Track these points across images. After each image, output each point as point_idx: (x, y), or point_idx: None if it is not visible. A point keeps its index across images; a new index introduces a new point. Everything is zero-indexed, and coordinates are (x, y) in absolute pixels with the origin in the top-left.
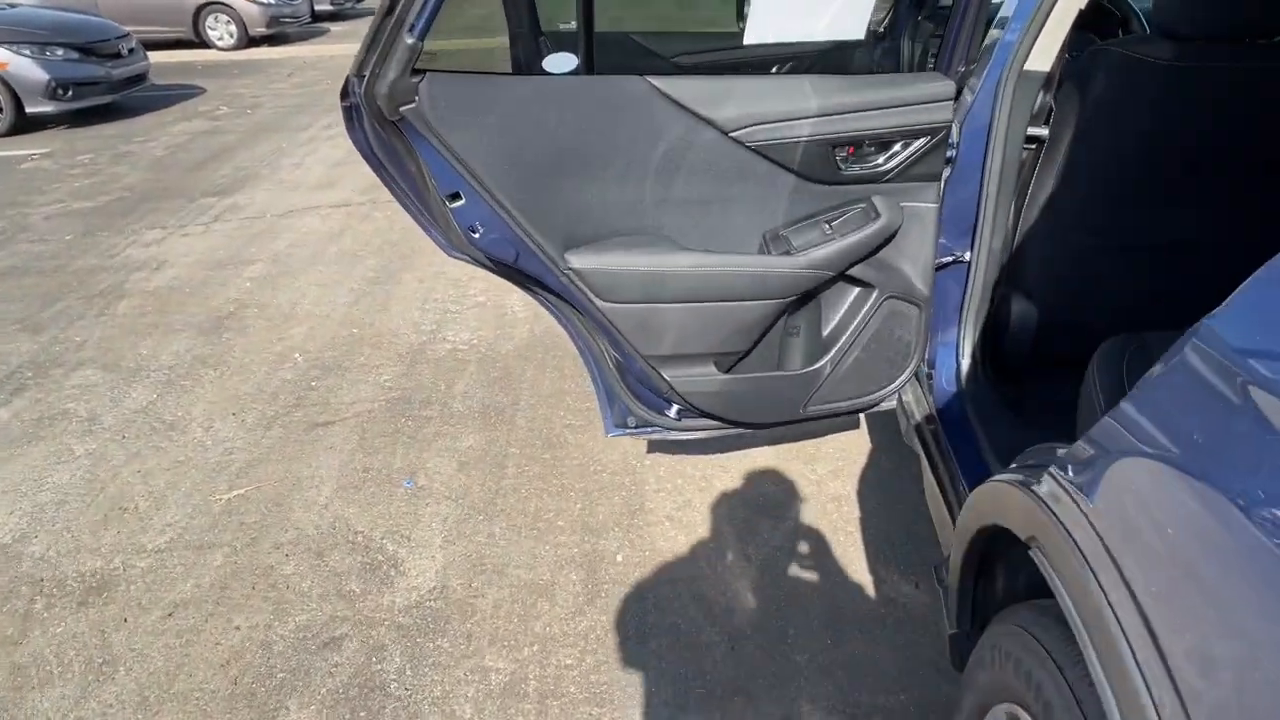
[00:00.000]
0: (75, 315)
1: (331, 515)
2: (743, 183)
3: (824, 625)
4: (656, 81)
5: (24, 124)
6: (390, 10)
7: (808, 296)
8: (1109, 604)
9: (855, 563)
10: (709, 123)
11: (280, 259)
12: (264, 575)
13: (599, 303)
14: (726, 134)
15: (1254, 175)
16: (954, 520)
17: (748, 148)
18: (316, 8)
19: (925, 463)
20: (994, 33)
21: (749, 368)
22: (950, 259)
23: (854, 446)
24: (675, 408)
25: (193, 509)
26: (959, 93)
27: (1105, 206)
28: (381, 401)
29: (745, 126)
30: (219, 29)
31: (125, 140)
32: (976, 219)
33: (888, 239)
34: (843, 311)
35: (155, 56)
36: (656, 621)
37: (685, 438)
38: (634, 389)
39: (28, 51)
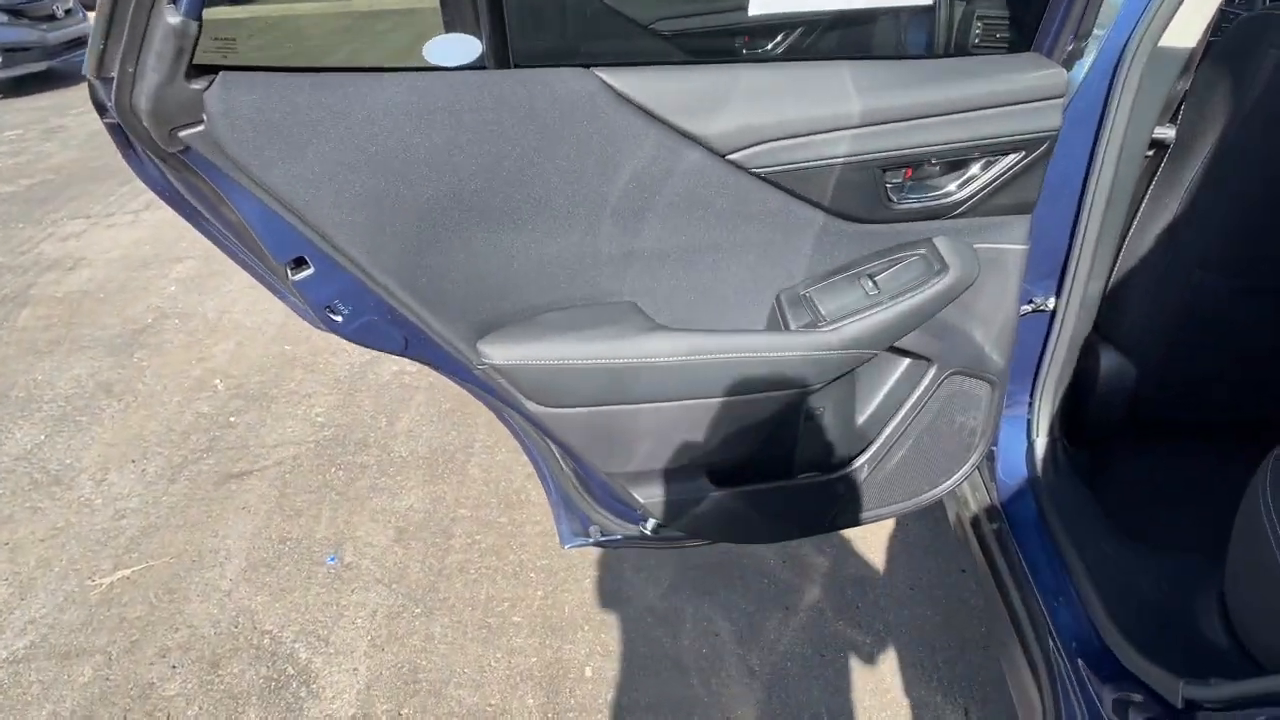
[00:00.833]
0: None
1: (234, 607)
2: (746, 225)
3: None
4: (610, 76)
5: None
6: None
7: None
8: None
9: (886, 676)
10: (695, 140)
11: (213, 256)
12: (140, 698)
13: (533, 408)
14: (722, 156)
15: None
16: (1034, 672)
17: (754, 175)
18: None
19: (984, 569)
20: None
21: (754, 473)
22: (1028, 307)
23: None
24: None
25: (65, 598)
26: None
27: (1253, 238)
28: (310, 443)
29: (750, 145)
30: None
31: (59, 113)
32: (1069, 254)
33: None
34: (885, 391)
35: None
36: None
37: (666, 550)
38: (597, 495)
39: None
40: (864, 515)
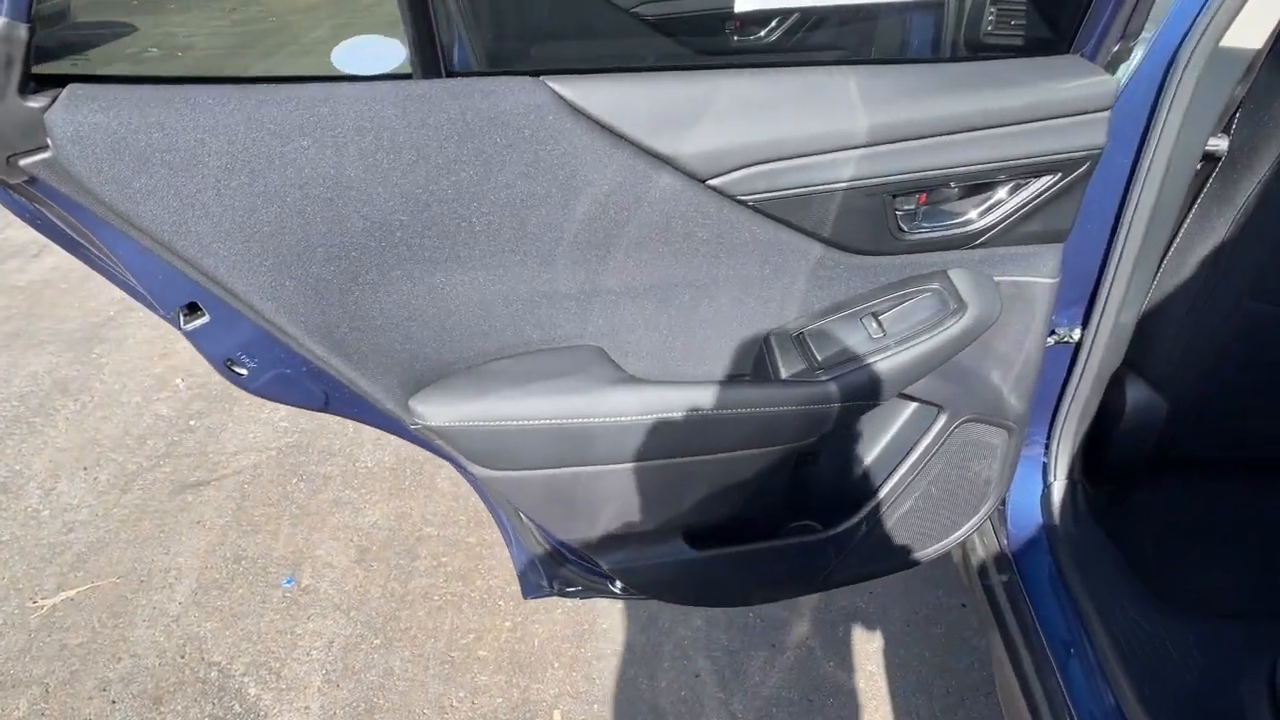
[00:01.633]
0: None
1: (182, 634)
2: (729, 258)
3: None
4: (564, 86)
5: None
6: None
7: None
8: None
9: (877, 717)
10: (668, 162)
11: None
12: None
13: (478, 471)
14: (701, 181)
15: None
16: None
17: (740, 203)
18: None
19: (992, 628)
20: None
21: (738, 533)
22: (1051, 339)
23: None
24: None
25: (4, 621)
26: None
27: None
28: (272, 451)
29: (735, 169)
30: None
31: None
32: (1099, 280)
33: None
34: (887, 441)
35: None
36: None
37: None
38: (560, 548)
39: None
40: (860, 573)
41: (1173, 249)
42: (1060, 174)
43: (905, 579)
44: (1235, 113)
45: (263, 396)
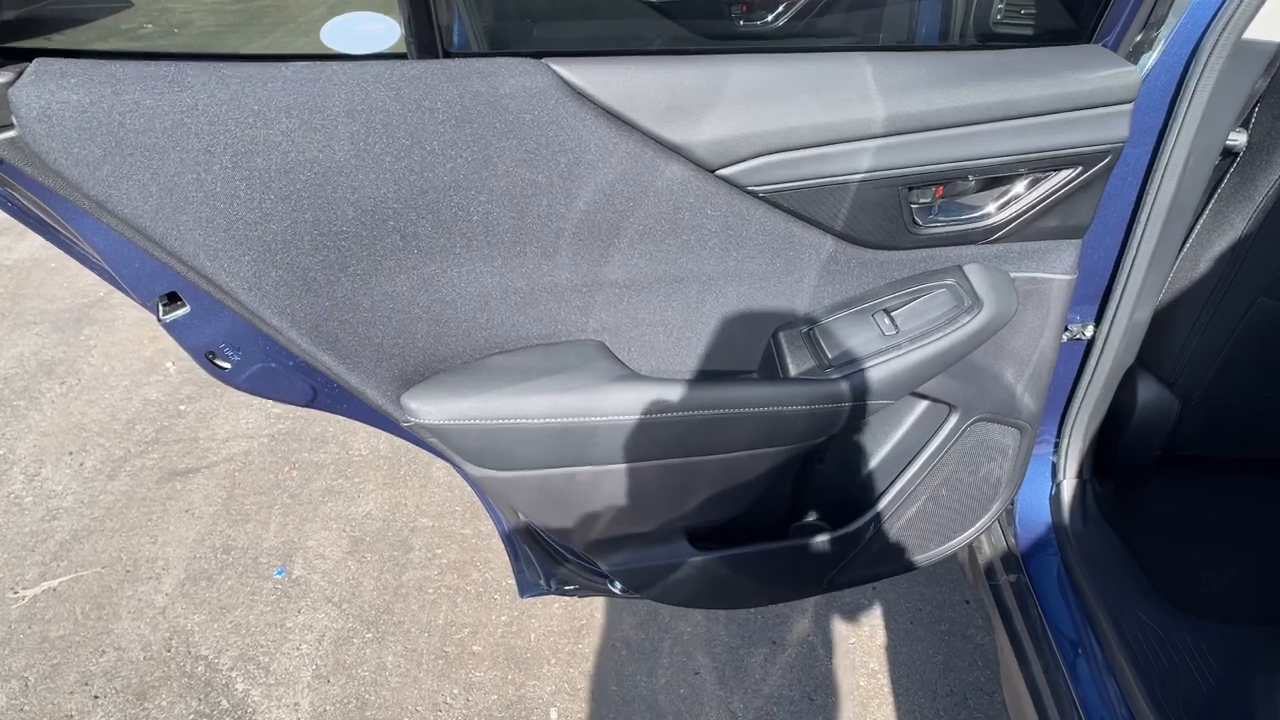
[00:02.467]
0: None
1: (168, 626)
2: (738, 251)
3: None
4: (568, 69)
5: None
6: None
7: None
8: None
9: (880, 715)
10: (676, 150)
11: None
12: None
13: (473, 471)
14: (711, 171)
15: None
16: None
17: (750, 194)
18: None
19: (999, 628)
20: None
21: (743, 534)
22: (1064, 336)
23: None
24: None
25: None
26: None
27: None
28: (264, 437)
29: (746, 158)
30: None
31: None
32: (1114, 276)
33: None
34: (896, 440)
35: None
36: None
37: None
38: (558, 547)
39: None
40: (864, 575)
41: (1188, 245)
42: (1081, 168)
43: (908, 576)
44: (1255, 107)
45: (247, 391)
